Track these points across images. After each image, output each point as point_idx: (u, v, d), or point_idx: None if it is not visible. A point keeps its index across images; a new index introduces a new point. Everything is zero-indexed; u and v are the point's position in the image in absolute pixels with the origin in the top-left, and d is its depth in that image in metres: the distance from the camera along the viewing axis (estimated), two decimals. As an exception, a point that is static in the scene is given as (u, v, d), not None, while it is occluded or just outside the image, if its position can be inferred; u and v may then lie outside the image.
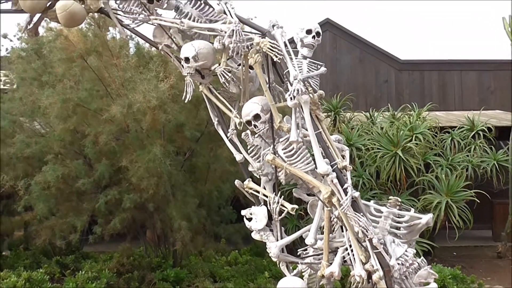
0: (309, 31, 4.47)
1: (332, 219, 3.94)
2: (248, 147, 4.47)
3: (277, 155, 4.14)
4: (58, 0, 4.64)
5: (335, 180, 3.78)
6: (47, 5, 4.75)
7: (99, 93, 8.32)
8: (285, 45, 4.08)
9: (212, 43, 4.42)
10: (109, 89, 8.19)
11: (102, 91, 8.33)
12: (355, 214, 3.73)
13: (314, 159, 3.97)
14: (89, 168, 8.55)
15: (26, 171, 8.93)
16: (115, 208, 8.42)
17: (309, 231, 4.10)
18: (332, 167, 3.84)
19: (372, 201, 4.20)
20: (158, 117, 7.40)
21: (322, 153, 3.87)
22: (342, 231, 3.98)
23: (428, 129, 9.89)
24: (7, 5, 5.07)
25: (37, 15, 5.01)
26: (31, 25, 5.13)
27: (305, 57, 4.49)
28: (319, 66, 4.57)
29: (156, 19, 4.58)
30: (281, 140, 4.14)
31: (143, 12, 4.62)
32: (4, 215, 11.83)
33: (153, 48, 8.55)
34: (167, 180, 7.87)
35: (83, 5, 4.67)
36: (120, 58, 7.96)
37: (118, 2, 4.71)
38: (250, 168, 4.48)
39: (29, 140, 8.65)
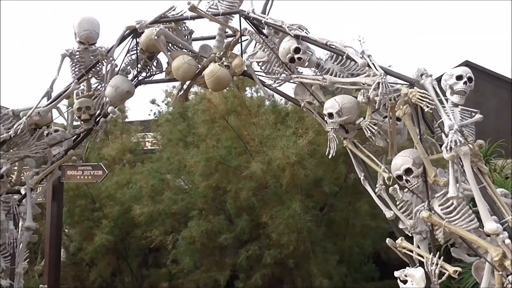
0: (459, 77, 4.18)
1: (505, 285, 3.46)
2: (398, 203, 4.21)
3: (433, 211, 3.81)
4: (206, 68, 4.97)
5: (507, 241, 3.33)
6: (196, 72, 5.10)
7: (238, 150, 8.65)
8: (437, 94, 3.83)
9: (355, 97, 4.33)
10: (248, 146, 8.46)
11: (241, 149, 8.64)
12: (536, 281, 3.24)
13: (477, 216, 3.58)
14: (230, 224, 8.78)
15: (173, 226, 9.46)
16: (255, 263, 8.47)
17: (476, 297, 3.65)
18: (502, 225, 3.41)
19: (553, 265, 3.62)
20: (297, 173, 7.41)
21: (488, 210, 3.48)
22: (518, 299, 3.47)
23: None
24: (161, 75, 5.56)
25: (187, 83, 5.41)
26: (182, 92, 5.54)
27: (456, 105, 4.18)
28: (473, 114, 4.23)
29: (297, 77, 4.64)
30: (436, 195, 3.81)
31: (284, 71, 4.72)
32: (153, 267, 12.59)
33: (288, 105, 8.76)
34: (307, 236, 7.74)
35: (228, 70, 4.93)
36: (258, 116, 8.24)
37: (260, 64, 4.89)
38: (401, 226, 4.20)
39: (175, 197, 9.20)
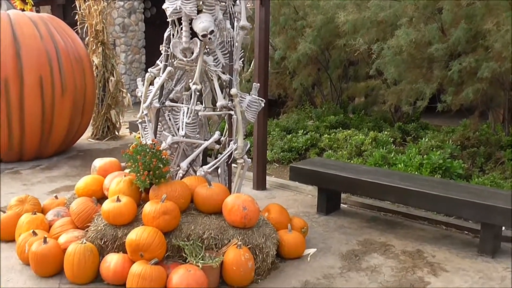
0: None
1: None
2: None
3: None
4: None
5: None
6: None
7: None
8: None
9: None
10: None
11: None
12: None
13: None
14: (443, 34, 7.95)
15: (379, 36, 9.03)
16: (467, 77, 7.74)
17: None
18: None
19: None
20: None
21: None
22: None
23: None
24: None
25: None
26: None
27: None
28: None
29: None
30: None
31: None
32: (351, 80, 12.71)
33: None
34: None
35: None
36: None
37: None
38: None
39: (383, 4, 8.54)
